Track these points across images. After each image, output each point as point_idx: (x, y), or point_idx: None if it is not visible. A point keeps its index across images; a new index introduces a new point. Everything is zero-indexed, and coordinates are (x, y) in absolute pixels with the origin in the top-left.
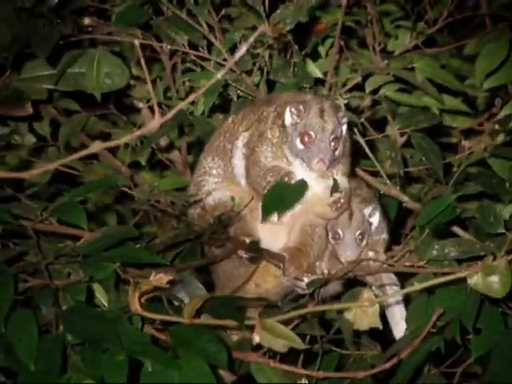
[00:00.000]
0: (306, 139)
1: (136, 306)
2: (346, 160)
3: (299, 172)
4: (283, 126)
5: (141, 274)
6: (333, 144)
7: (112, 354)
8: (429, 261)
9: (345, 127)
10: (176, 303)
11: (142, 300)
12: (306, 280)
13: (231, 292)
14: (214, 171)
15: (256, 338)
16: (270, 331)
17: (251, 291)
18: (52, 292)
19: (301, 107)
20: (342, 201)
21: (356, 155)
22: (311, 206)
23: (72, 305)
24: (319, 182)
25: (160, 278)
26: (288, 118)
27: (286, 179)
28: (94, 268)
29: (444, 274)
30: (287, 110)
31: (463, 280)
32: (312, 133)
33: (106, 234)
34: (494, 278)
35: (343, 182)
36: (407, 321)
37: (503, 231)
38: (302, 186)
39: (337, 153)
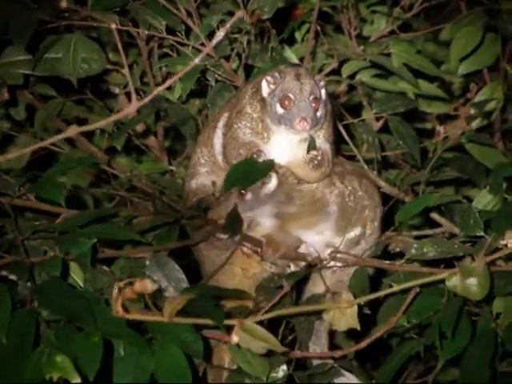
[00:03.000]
0: (286, 102)
1: (119, 311)
2: (328, 125)
3: (282, 140)
4: (262, 99)
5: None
6: (313, 105)
7: (87, 335)
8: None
9: (323, 91)
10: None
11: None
12: (292, 267)
13: (215, 273)
14: (203, 160)
15: (235, 339)
16: (249, 332)
17: (239, 275)
18: (27, 267)
19: (276, 74)
20: (320, 158)
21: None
22: (294, 169)
23: (47, 279)
24: (301, 146)
25: (145, 285)
26: (265, 88)
27: (255, 156)
28: (70, 244)
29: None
30: (263, 80)
31: (439, 281)
32: (290, 94)
33: (83, 212)
34: (472, 281)
35: (324, 145)
36: (379, 319)
37: (482, 234)
38: (268, 165)
39: (318, 113)
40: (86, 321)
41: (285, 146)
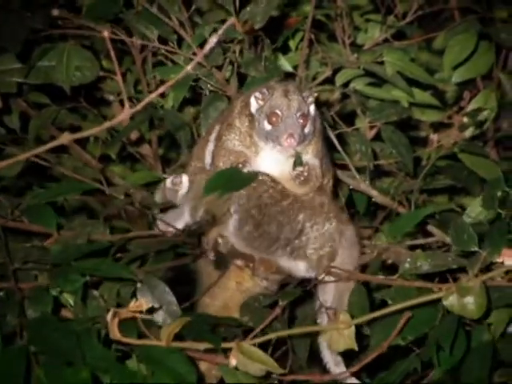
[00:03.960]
0: (273, 119)
1: (115, 333)
2: (317, 141)
3: (270, 156)
4: (250, 114)
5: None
6: (300, 121)
7: (76, 370)
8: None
9: (312, 107)
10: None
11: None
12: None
13: (210, 288)
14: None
15: (233, 362)
16: (247, 355)
17: (232, 288)
18: (18, 301)
19: (264, 90)
20: (306, 174)
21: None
22: (282, 183)
23: (37, 315)
24: (289, 161)
25: (139, 305)
26: (253, 104)
27: (240, 166)
28: (62, 280)
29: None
30: (252, 97)
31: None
32: (278, 111)
33: (75, 242)
34: (469, 299)
35: (313, 161)
36: (371, 335)
37: (477, 249)
38: (252, 176)
39: (306, 130)
40: (74, 357)
41: (272, 161)
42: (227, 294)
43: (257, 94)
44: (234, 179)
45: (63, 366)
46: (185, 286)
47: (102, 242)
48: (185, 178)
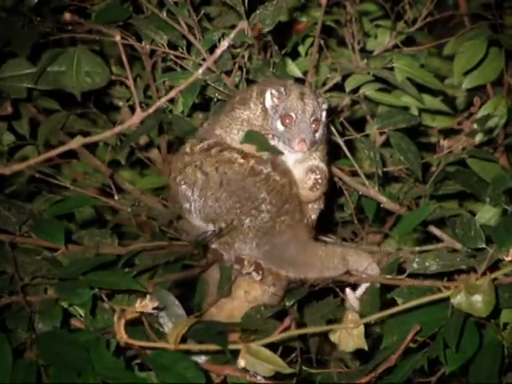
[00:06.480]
0: (287, 120)
1: (122, 335)
2: (323, 147)
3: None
4: (264, 106)
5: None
6: (313, 126)
7: (85, 381)
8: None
9: (324, 113)
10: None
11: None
12: None
13: (218, 298)
14: None
15: (241, 363)
16: (255, 356)
17: (241, 298)
18: (27, 316)
19: (282, 90)
20: (320, 180)
21: (333, 150)
22: None
23: (47, 329)
24: (297, 167)
25: (145, 305)
26: (269, 100)
27: (270, 137)
28: (70, 294)
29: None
30: (268, 92)
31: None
32: (293, 114)
33: (84, 256)
34: (478, 298)
35: (322, 165)
36: (384, 334)
37: (484, 246)
38: (276, 149)
39: (317, 135)
40: (84, 370)
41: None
42: (234, 303)
43: (273, 91)
44: (265, 144)
45: (72, 378)
46: (192, 296)
47: (109, 255)
48: None
